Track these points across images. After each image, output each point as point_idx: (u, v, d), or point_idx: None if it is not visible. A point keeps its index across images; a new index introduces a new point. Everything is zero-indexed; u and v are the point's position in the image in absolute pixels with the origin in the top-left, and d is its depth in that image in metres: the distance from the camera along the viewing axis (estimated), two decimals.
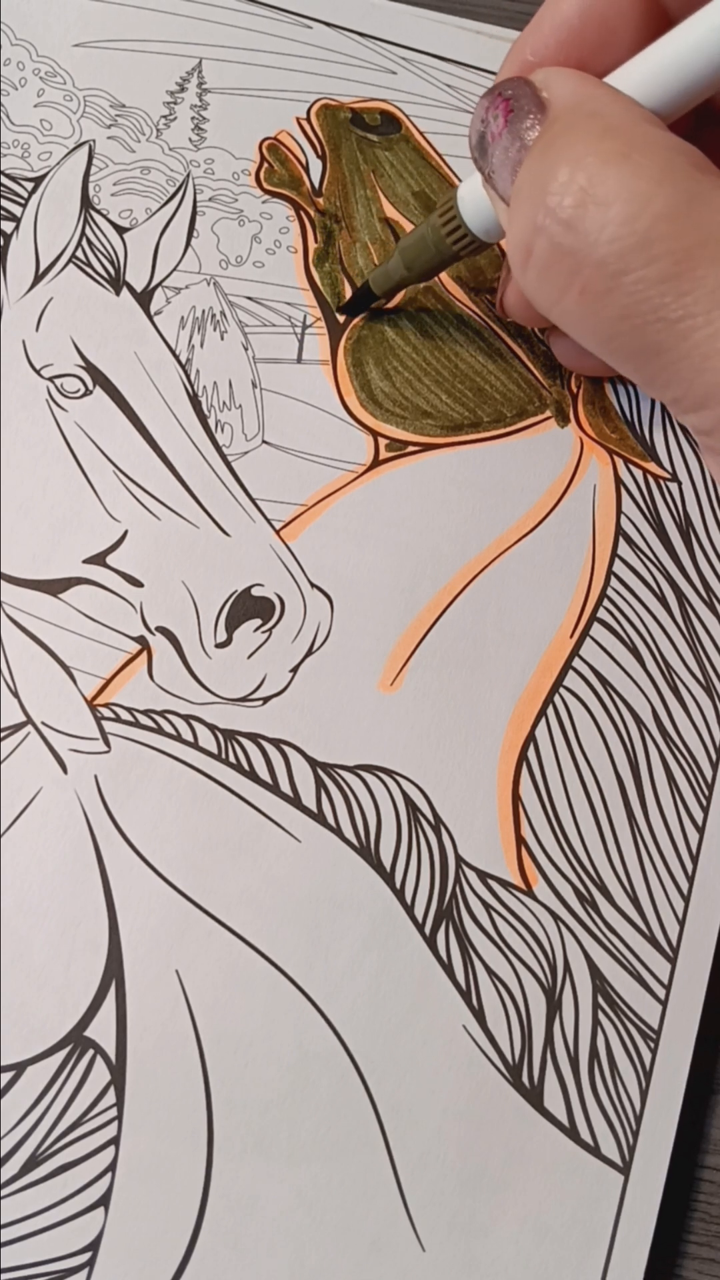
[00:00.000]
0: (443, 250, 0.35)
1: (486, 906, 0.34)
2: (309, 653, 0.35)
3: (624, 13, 0.30)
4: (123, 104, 0.39)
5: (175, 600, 0.35)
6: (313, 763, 0.34)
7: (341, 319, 0.38)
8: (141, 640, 0.35)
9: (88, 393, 0.37)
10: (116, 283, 0.38)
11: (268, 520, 0.36)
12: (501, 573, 0.36)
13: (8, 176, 0.38)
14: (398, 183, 0.40)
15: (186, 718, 0.34)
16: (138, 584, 0.35)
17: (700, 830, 0.35)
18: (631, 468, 0.38)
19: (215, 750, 0.34)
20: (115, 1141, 0.31)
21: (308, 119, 0.40)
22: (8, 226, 0.38)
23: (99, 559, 0.35)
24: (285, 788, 0.34)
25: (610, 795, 0.35)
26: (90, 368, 0.37)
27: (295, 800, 0.34)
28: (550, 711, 0.35)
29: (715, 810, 0.35)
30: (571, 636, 0.36)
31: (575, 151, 0.26)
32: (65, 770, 0.34)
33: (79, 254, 0.38)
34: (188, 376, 0.37)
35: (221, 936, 0.33)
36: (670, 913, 0.34)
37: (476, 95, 0.41)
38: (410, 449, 0.37)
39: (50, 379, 0.37)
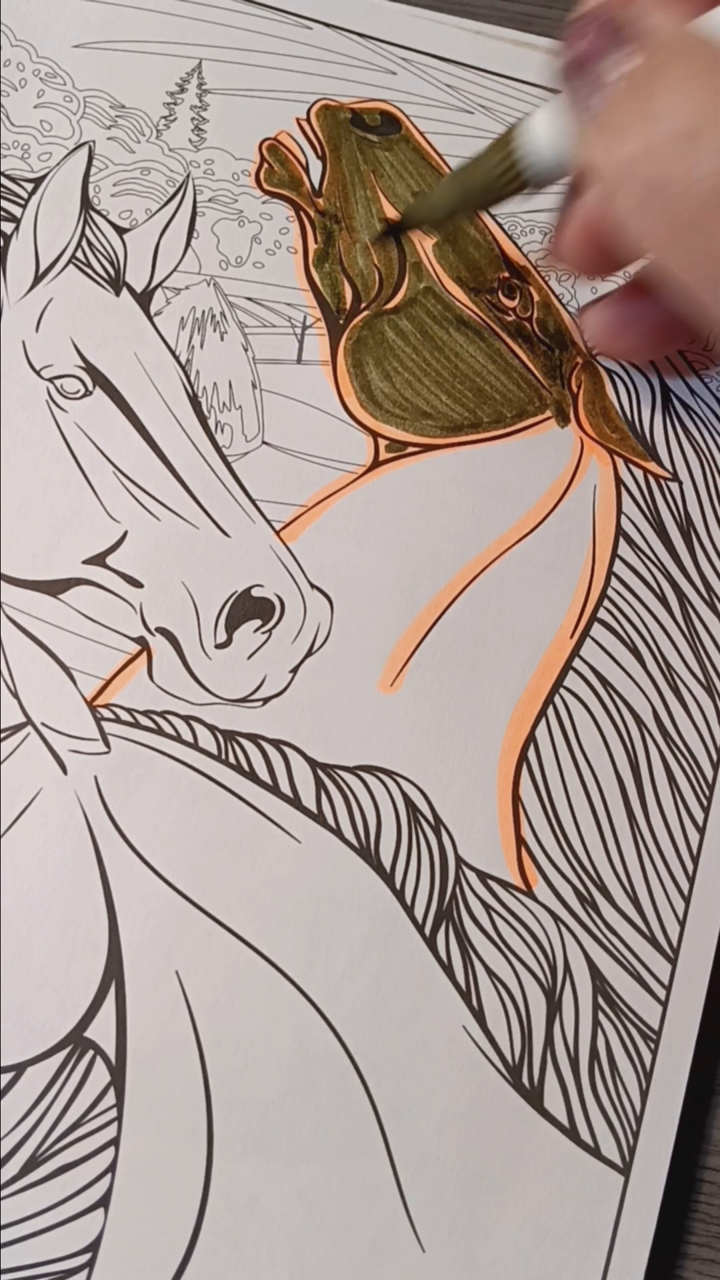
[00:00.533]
0: (498, 184, 0.34)
1: (486, 907, 0.34)
2: (309, 653, 0.35)
3: None
4: (123, 105, 0.39)
5: (175, 601, 0.35)
6: (313, 763, 0.34)
7: (341, 321, 0.38)
8: (141, 641, 0.35)
9: (88, 393, 0.37)
10: (116, 283, 0.38)
11: (268, 521, 0.36)
12: (502, 573, 0.36)
13: (8, 177, 0.38)
14: (398, 183, 0.40)
15: (186, 718, 0.34)
16: (138, 585, 0.35)
17: (700, 830, 0.35)
18: (632, 468, 0.38)
19: (215, 751, 0.34)
20: (115, 1142, 0.31)
21: (308, 119, 0.40)
22: (8, 227, 0.38)
23: (99, 560, 0.35)
24: (285, 788, 0.34)
25: (610, 795, 0.35)
26: (90, 368, 0.37)
27: (295, 801, 0.34)
28: (550, 712, 0.35)
29: (716, 810, 0.35)
30: (572, 637, 0.36)
31: (686, 83, 0.26)
32: (65, 771, 0.34)
33: (79, 255, 0.38)
34: (188, 377, 0.37)
35: (221, 937, 0.33)
36: (670, 913, 0.34)
37: (477, 95, 0.41)
38: (410, 450, 0.37)
39: (50, 380, 0.37)
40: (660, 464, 0.38)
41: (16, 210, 0.38)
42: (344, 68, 0.41)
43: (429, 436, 0.38)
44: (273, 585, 0.35)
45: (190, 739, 0.34)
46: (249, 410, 0.37)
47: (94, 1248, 0.30)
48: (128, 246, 0.38)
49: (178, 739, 0.34)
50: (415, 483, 0.37)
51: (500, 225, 0.40)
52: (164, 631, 0.35)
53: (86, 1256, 0.30)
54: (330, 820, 0.34)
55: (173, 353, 0.37)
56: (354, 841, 0.34)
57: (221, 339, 0.38)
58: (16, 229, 0.38)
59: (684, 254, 0.28)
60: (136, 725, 0.34)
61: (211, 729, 0.34)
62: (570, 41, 0.29)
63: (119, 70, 0.40)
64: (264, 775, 0.34)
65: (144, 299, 0.38)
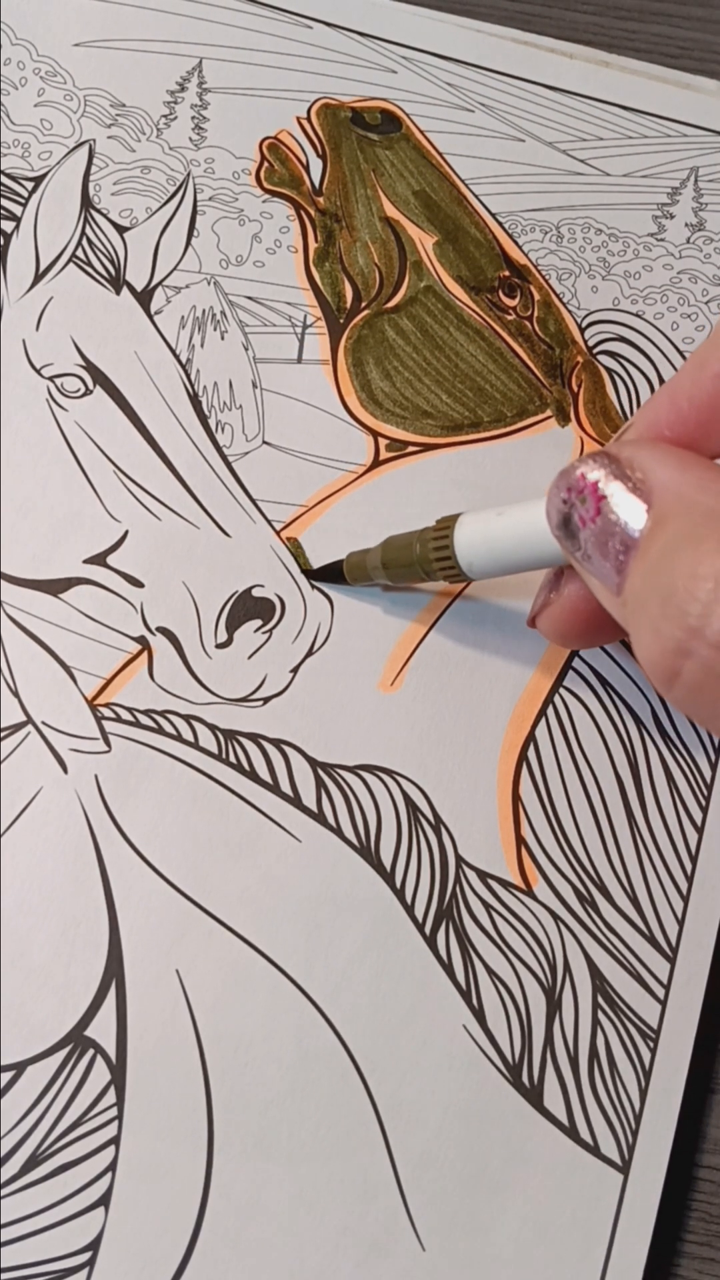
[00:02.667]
0: (428, 569, 0.32)
1: (486, 906, 0.34)
2: (309, 653, 0.35)
3: None
4: (123, 103, 0.39)
5: (176, 600, 0.35)
6: (313, 763, 0.34)
7: (342, 320, 0.38)
8: (142, 640, 0.35)
9: (88, 392, 0.37)
10: (117, 282, 0.38)
11: (268, 521, 0.36)
12: None
13: (8, 176, 0.38)
14: (398, 182, 0.40)
15: (187, 718, 0.34)
16: (138, 584, 0.35)
17: (700, 830, 0.35)
18: None
19: (216, 750, 0.34)
20: (115, 1141, 0.31)
21: (308, 118, 0.40)
22: (8, 226, 0.38)
23: (99, 559, 0.35)
24: (285, 788, 0.34)
25: (610, 795, 0.35)
26: (90, 367, 0.37)
27: (295, 800, 0.34)
28: (550, 711, 0.35)
29: (715, 810, 0.35)
30: None
31: (709, 562, 0.22)
32: (66, 770, 0.34)
33: (79, 253, 0.38)
34: (188, 376, 0.37)
35: (222, 936, 0.33)
36: (670, 913, 0.34)
37: (477, 93, 0.41)
38: (410, 449, 0.37)
39: (50, 378, 0.37)
40: None
41: (17, 209, 0.38)
42: (344, 66, 0.40)
43: (429, 436, 0.38)
44: (273, 585, 0.35)
45: (191, 738, 0.34)
46: (249, 409, 0.37)
47: (94, 1246, 0.31)
48: (128, 245, 0.38)
49: (178, 738, 0.34)
50: (415, 482, 0.37)
51: (501, 224, 0.40)
52: (165, 631, 0.35)
53: (87, 1255, 0.30)
54: (330, 820, 0.34)
55: (173, 352, 0.37)
56: (354, 841, 0.34)
57: (222, 338, 0.38)
58: (17, 228, 0.38)
59: None
60: (137, 724, 0.34)
61: (212, 728, 0.34)
62: (555, 495, 0.26)
63: (119, 69, 0.40)
64: (264, 775, 0.34)
65: (144, 298, 0.38)
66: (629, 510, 0.25)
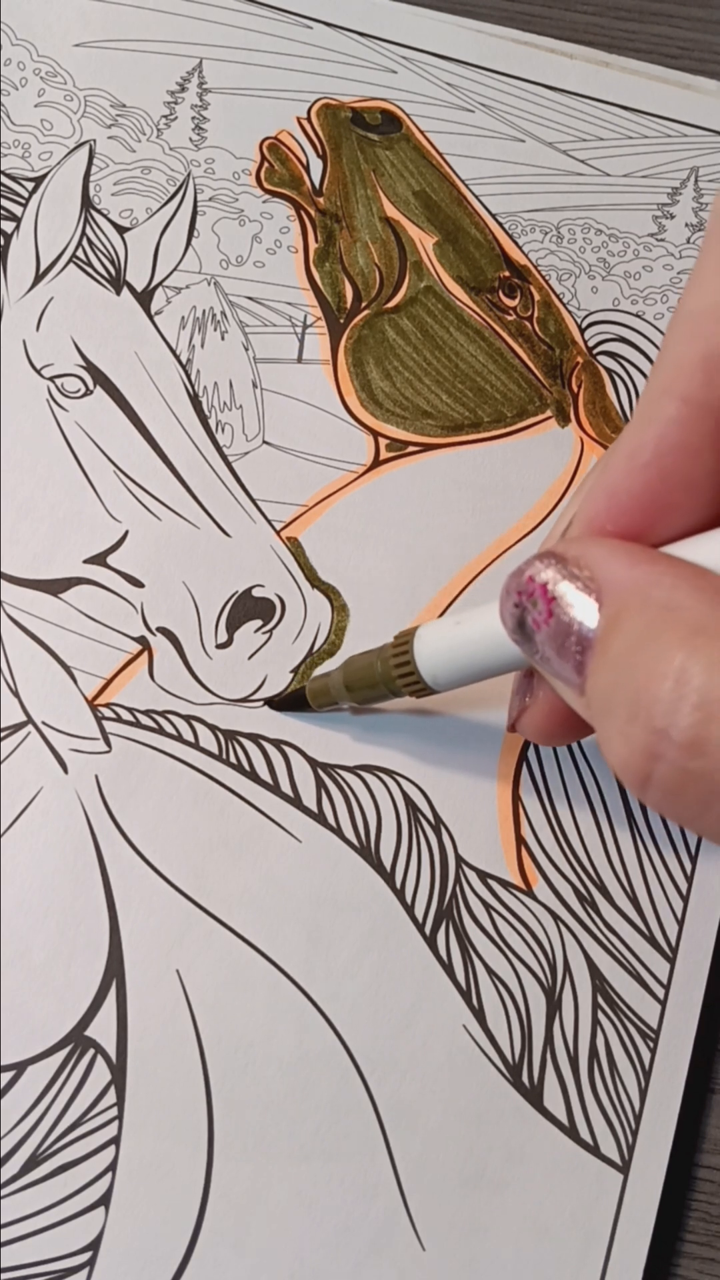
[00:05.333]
0: (391, 686, 0.32)
1: (486, 906, 0.34)
2: (310, 653, 0.35)
3: (700, 470, 0.25)
4: (123, 104, 0.39)
5: (176, 601, 0.35)
6: (313, 763, 0.34)
7: (342, 320, 0.38)
8: (142, 640, 0.35)
9: (88, 392, 0.37)
10: (117, 282, 0.38)
11: (268, 521, 0.36)
12: (502, 573, 0.36)
13: (8, 176, 0.38)
14: (398, 182, 0.40)
15: (187, 718, 0.34)
16: (138, 584, 0.35)
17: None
18: None
19: (216, 750, 0.34)
20: (115, 1141, 0.31)
21: (308, 118, 0.40)
22: (8, 226, 0.38)
23: (100, 559, 0.35)
24: (286, 788, 0.34)
25: (610, 795, 0.35)
26: (91, 367, 0.37)
27: (296, 800, 0.34)
28: None
29: None
30: None
31: (668, 659, 0.22)
32: (66, 770, 0.34)
33: (79, 254, 0.38)
34: (188, 376, 0.37)
35: (222, 936, 0.33)
36: (669, 913, 0.34)
37: (478, 93, 0.41)
38: (410, 449, 0.37)
39: (51, 379, 0.37)
40: None
41: (17, 209, 0.38)
42: (345, 67, 0.40)
43: (429, 436, 0.38)
44: (273, 585, 0.35)
45: (191, 738, 0.34)
46: (249, 410, 0.37)
47: (94, 1246, 0.31)
48: (128, 245, 0.38)
49: (179, 738, 0.34)
50: (416, 482, 0.37)
51: (501, 225, 0.40)
52: (165, 631, 0.35)
53: (87, 1255, 0.30)
54: (331, 820, 0.34)
55: (173, 352, 0.37)
56: (354, 841, 0.34)
57: (222, 338, 0.38)
58: (17, 228, 0.38)
59: None
60: (137, 725, 0.34)
61: (212, 728, 0.34)
62: (508, 599, 0.25)
63: (120, 69, 0.40)
64: (265, 775, 0.34)
65: (144, 298, 0.38)
66: (581, 609, 0.24)
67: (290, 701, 0.35)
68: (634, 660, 0.22)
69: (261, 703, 0.34)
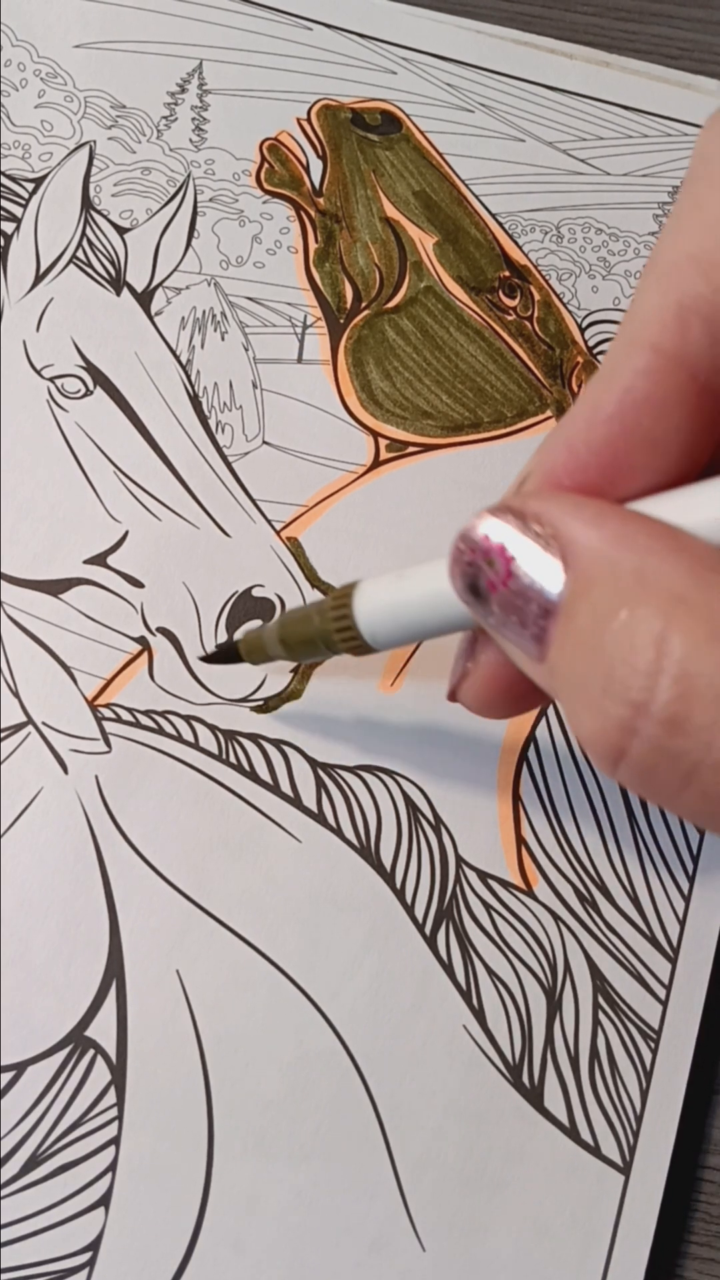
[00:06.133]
0: (329, 643, 0.29)
1: (487, 906, 0.34)
2: None
3: (674, 412, 0.23)
4: (123, 105, 0.39)
5: (176, 601, 0.35)
6: (313, 763, 0.34)
7: (342, 320, 0.38)
8: (142, 641, 0.35)
9: (88, 393, 0.37)
10: (117, 283, 0.38)
11: (268, 521, 0.36)
12: None
13: (8, 177, 0.38)
14: (398, 182, 0.40)
15: (187, 718, 0.34)
16: (138, 584, 0.35)
17: (700, 830, 0.35)
18: None
19: (216, 751, 0.34)
20: (115, 1141, 0.31)
21: (308, 119, 0.40)
22: (8, 227, 0.38)
23: (100, 559, 0.35)
24: (286, 788, 0.34)
25: (610, 795, 0.35)
26: (91, 368, 0.37)
27: (296, 800, 0.34)
28: (550, 711, 0.35)
29: None
30: None
31: (646, 630, 0.20)
32: (66, 770, 0.34)
33: (79, 254, 0.38)
34: (188, 377, 0.37)
35: (222, 936, 0.33)
36: (670, 913, 0.34)
37: (478, 94, 0.41)
38: (410, 449, 0.37)
39: (51, 379, 0.37)
40: None
41: (17, 210, 0.38)
42: (344, 68, 0.41)
43: (429, 436, 0.38)
44: (273, 585, 0.35)
45: (191, 739, 0.34)
46: (249, 410, 0.37)
47: (94, 1247, 0.31)
48: (128, 246, 0.38)
49: (179, 739, 0.34)
50: (416, 482, 0.37)
51: (501, 224, 0.40)
52: (165, 631, 0.35)
53: (87, 1256, 0.30)
54: (331, 820, 0.34)
55: (173, 352, 0.37)
56: (354, 841, 0.34)
57: (222, 339, 0.38)
58: (17, 229, 0.38)
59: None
60: (137, 725, 0.34)
61: (212, 729, 0.34)
62: (473, 554, 0.23)
63: (120, 70, 0.40)
64: (264, 775, 0.34)
65: (145, 299, 0.38)
66: (544, 572, 0.22)
67: (222, 655, 0.33)
68: (604, 629, 0.21)
69: (262, 702, 0.34)
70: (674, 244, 0.23)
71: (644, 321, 0.23)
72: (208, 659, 0.34)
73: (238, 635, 0.33)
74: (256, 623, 0.34)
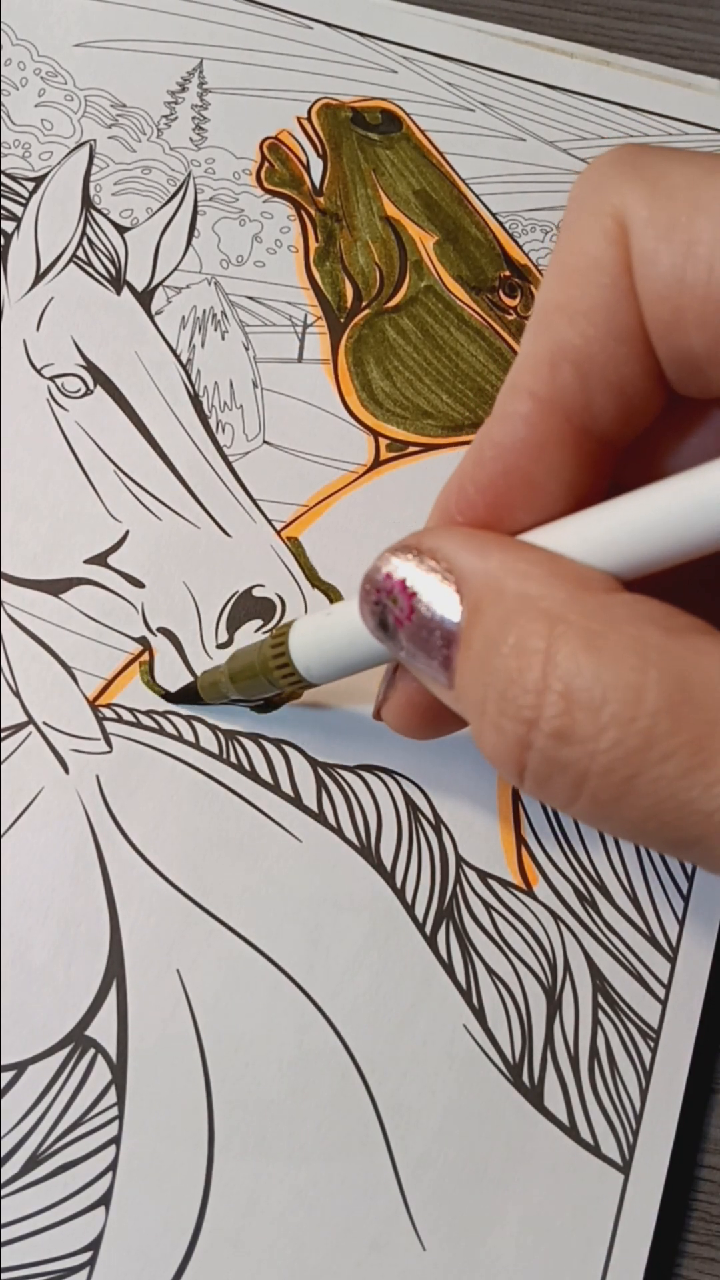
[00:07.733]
0: (271, 678, 0.31)
1: (487, 906, 0.34)
2: None
3: (552, 458, 0.25)
4: (124, 104, 0.39)
5: (176, 601, 0.35)
6: (313, 763, 0.34)
7: (342, 320, 0.38)
8: (143, 640, 0.35)
9: (88, 392, 0.37)
10: (117, 282, 0.38)
11: (269, 521, 0.36)
12: None
13: (8, 176, 0.38)
14: (399, 181, 0.40)
15: (188, 718, 0.34)
16: (139, 584, 0.35)
17: None
18: None
19: (216, 750, 0.34)
20: (116, 1141, 0.31)
21: (309, 118, 0.40)
22: (8, 226, 0.38)
23: (100, 559, 0.35)
24: (286, 788, 0.34)
25: None
26: (91, 367, 0.37)
27: (296, 800, 0.34)
28: None
29: None
30: None
31: (531, 650, 0.22)
32: (67, 770, 0.34)
33: (80, 253, 0.38)
34: (188, 376, 0.37)
35: (222, 936, 0.33)
36: (670, 912, 0.34)
37: (478, 93, 0.41)
38: (411, 449, 0.37)
39: (51, 378, 0.37)
40: None
41: (17, 209, 0.38)
42: (345, 67, 0.40)
43: (430, 436, 0.38)
44: (274, 585, 0.35)
45: (192, 739, 0.34)
46: (250, 409, 0.37)
47: (94, 1246, 0.31)
48: (129, 245, 0.38)
49: (179, 739, 0.34)
50: (416, 482, 0.37)
51: (501, 224, 0.40)
52: (165, 631, 0.35)
53: (87, 1255, 0.30)
54: (331, 819, 0.34)
55: (173, 352, 0.37)
56: (355, 841, 0.34)
57: (222, 338, 0.38)
58: (17, 228, 0.38)
59: (613, 825, 0.23)
60: (138, 725, 0.34)
61: (213, 729, 0.34)
62: (378, 594, 0.25)
63: (120, 69, 0.40)
64: (265, 775, 0.34)
65: (145, 298, 0.38)
66: (442, 604, 0.24)
67: (184, 695, 0.34)
68: (496, 652, 0.22)
69: (262, 702, 0.34)
70: (546, 292, 0.24)
71: (522, 369, 0.24)
72: (170, 698, 0.34)
73: (199, 676, 0.34)
74: (216, 663, 0.34)
